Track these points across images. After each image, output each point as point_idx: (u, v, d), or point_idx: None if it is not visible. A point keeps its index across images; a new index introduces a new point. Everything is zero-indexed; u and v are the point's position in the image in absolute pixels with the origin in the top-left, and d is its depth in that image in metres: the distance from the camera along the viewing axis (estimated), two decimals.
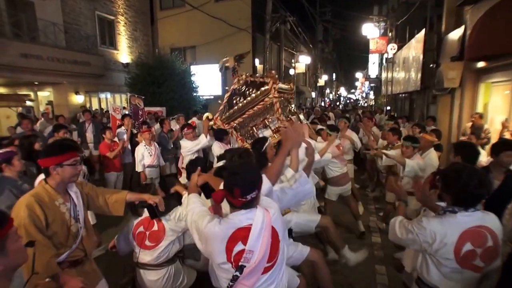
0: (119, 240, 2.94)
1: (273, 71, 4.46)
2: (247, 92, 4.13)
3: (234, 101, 4.21)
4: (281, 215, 1.98)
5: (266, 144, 3.11)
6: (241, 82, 4.22)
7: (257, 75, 4.10)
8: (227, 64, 4.48)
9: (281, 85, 4.14)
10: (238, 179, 1.76)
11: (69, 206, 2.22)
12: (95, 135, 8.24)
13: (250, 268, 1.74)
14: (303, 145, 2.68)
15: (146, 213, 2.71)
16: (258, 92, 3.99)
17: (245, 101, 4.08)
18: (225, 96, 4.36)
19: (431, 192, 2.52)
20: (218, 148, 5.42)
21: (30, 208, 2.00)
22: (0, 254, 1.22)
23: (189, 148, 5.58)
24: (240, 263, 1.74)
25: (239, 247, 1.75)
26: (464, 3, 7.69)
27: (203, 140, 5.53)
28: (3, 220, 1.26)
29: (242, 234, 1.75)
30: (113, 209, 2.50)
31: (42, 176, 2.40)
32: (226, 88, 4.01)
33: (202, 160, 4.31)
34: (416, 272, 2.23)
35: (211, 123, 4.51)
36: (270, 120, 4.24)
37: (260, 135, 4.30)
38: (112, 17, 16.01)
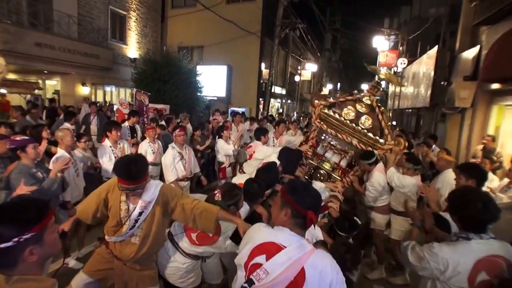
0: None
1: (401, 140, 4.03)
2: (362, 118, 3.79)
3: (345, 109, 3.88)
4: (328, 278, 1.57)
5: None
6: (368, 102, 3.90)
7: (386, 118, 3.85)
8: (380, 75, 4.05)
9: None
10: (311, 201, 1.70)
11: (131, 207, 2.37)
12: (99, 127, 8.25)
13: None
14: None
15: None
16: (371, 135, 3.71)
17: (353, 125, 3.77)
18: (345, 96, 4.07)
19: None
20: (266, 148, 4.96)
21: (108, 185, 2.43)
22: (37, 244, 1.25)
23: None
24: (251, 276, 1.61)
25: (260, 259, 1.63)
26: (480, 23, 7.64)
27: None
28: (43, 212, 1.31)
29: (271, 249, 1.62)
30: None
31: None
32: (355, 91, 3.72)
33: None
34: None
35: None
36: (347, 157, 4.07)
37: (327, 155, 4.13)
38: (124, 12, 16.11)
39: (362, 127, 3.76)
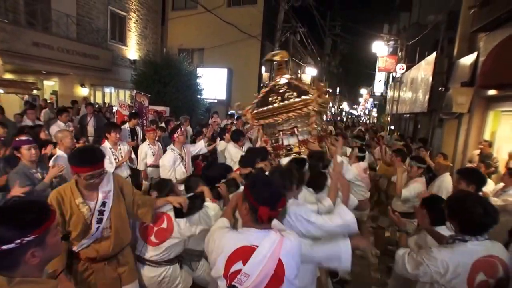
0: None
1: (322, 83, 4.44)
2: (287, 94, 4.07)
3: (270, 99, 4.16)
4: (298, 255, 1.74)
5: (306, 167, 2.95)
6: (283, 81, 4.15)
7: (302, 80, 4.14)
8: (276, 58, 4.35)
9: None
10: (267, 194, 1.69)
11: (92, 205, 2.31)
12: (96, 129, 8.24)
13: None
14: None
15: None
16: (299, 99, 3.95)
17: (282, 103, 4.03)
18: (262, 91, 4.29)
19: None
20: (234, 149, 5.33)
21: (50, 203, 2.18)
22: (38, 247, 1.25)
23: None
24: (233, 283, 1.63)
25: (238, 266, 1.64)
26: (478, 29, 7.71)
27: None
28: (45, 216, 1.31)
29: (245, 253, 1.64)
30: (142, 215, 2.57)
31: None
32: (266, 82, 4.12)
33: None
34: None
35: (240, 112, 4.47)
36: (300, 130, 4.18)
37: (285, 142, 4.27)
38: (124, 13, 16.13)
39: (290, 99, 4.02)
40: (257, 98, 4.31)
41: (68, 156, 2.37)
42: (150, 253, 2.66)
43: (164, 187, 2.83)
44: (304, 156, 3.19)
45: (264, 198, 1.66)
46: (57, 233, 1.38)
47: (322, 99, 3.91)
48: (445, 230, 2.30)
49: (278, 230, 1.73)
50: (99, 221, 2.31)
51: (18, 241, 1.19)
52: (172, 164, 4.86)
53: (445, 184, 4.33)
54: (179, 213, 2.52)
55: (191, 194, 2.78)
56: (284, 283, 1.63)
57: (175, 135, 5.11)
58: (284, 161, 3.66)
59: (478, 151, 6.71)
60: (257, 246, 1.63)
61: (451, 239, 2.03)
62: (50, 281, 1.34)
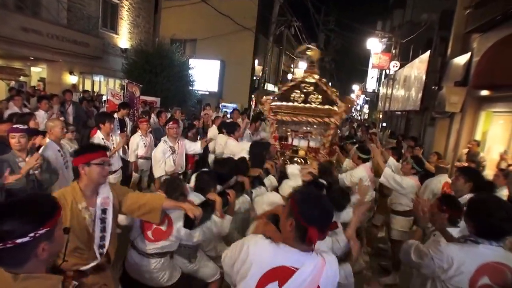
0: None
1: (352, 99, 4.38)
2: (311, 96, 3.97)
3: (293, 95, 4.06)
4: (336, 282, 1.61)
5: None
6: (311, 81, 4.06)
7: (333, 89, 4.02)
8: (309, 52, 4.24)
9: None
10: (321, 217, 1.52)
11: (93, 211, 2.15)
12: (75, 117, 7.92)
13: None
14: None
15: None
16: (325, 106, 3.86)
17: (304, 105, 3.92)
18: (287, 84, 4.20)
19: (442, 215, 2.50)
20: (233, 143, 5.14)
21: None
22: (48, 241, 1.24)
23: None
24: None
25: (272, 286, 1.49)
26: (472, 30, 7.76)
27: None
28: (56, 208, 1.31)
29: (283, 274, 1.49)
30: (148, 217, 2.37)
31: None
32: (293, 76, 3.97)
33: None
34: None
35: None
36: (313, 136, 4.13)
37: (295, 142, 4.20)
38: (116, 1, 15.70)
39: (314, 103, 3.93)
40: (280, 91, 4.22)
41: (76, 151, 2.36)
42: (144, 245, 2.65)
43: (174, 188, 2.68)
44: (323, 181, 2.94)
45: (314, 217, 1.49)
46: (61, 226, 1.36)
47: (346, 115, 3.86)
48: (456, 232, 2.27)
49: (319, 252, 1.59)
50: (103, 229, 2.17)
51: (32, 234, 1.17)
52: (163, 156, 4.82)
53: (431, 185, 4.26)
54: (189, 224, 2.36)
55: (203, 200, 2.68)
56: None
57: (167, 127, 5.14)
58: (290, 169, 3.56)
59: (466, 150, 6.81)
60: (297, 269, 1.49)
61: (462, 239, 1.99)
62: (54, 276, 1.31)
